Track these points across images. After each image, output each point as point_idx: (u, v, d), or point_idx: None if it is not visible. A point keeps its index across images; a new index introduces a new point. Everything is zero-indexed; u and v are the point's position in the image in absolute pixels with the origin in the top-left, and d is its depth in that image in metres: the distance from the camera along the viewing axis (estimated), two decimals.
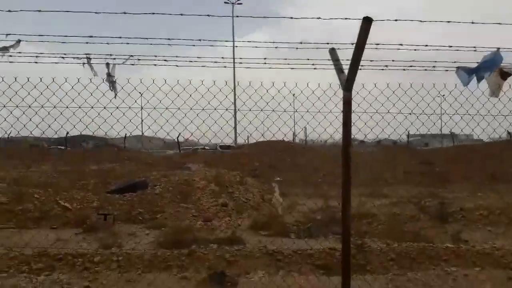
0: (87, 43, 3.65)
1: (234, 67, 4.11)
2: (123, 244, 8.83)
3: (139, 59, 3.41)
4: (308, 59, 3.40)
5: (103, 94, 3.84)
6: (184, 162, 25.94)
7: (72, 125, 4.22)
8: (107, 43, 3.68)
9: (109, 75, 3.49)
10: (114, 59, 3.40)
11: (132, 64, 3.43)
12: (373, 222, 12.18)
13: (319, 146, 31.25)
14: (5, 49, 3.71)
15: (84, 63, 3.41)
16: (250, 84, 3.71)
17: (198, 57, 3.45)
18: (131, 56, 3.58)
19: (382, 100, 4.24)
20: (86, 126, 4.26)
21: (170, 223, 11.47)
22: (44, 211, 11.25)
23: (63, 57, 3.33)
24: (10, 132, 4.79)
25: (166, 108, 4.17)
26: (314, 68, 3.41)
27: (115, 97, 3.58)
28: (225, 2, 53.01)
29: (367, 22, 2.94)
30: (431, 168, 26.68)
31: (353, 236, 10.80)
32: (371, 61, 3.49)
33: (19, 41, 3.77)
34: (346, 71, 3.49)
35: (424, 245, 8.89)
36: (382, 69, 3.52)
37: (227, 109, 3.81)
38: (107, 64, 3.46)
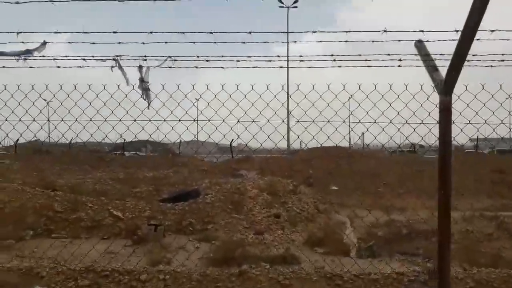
0: (119, 43, 3.09)
1: (288, 66, 3.49)
2: (172, 260, 8.42)
3: (175, 60, 2.77)
4: (389, 54, 2.59)
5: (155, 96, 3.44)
6: (238, 168, 25.57)
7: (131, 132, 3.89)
8: (143, 43, 3.09)
9: (142, 80, 2.89)
10: (146, 60, 2.80)
11: (170, 67, 2.81)
12: None
13: (377, 151, 29.57)
14: (28, 52, 3.22)
15: (113, 66, 2.83)
16: (313, 88, 2.95)
17: (248, 56, 2.76)
18: (169, 57, 2.96)
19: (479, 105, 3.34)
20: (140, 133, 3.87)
21: (221, 235, 10.98)
22: (96, 220, 11.15)
23: (84, 59, 2.79)
24: (72, 139, 4.57)
25: (223, 120, 3.71)
26: (399, 66, 2.58)
27: (148, 107, 2.97)
28: (280, 6, 52.17)
29: (482, 1, 2.09)
30: (504, 177, 24.31)
31: (421, 256, 9.74)
32: (474, 55, 2.62)
33: (44, 43, 3.28)
34: (440, 69, 2.67)
35: (509, 272, 7.67)
36: (491, 66, 2.64)
37: (283, 121, 3.10)
38: (140, 68, 2.86)
